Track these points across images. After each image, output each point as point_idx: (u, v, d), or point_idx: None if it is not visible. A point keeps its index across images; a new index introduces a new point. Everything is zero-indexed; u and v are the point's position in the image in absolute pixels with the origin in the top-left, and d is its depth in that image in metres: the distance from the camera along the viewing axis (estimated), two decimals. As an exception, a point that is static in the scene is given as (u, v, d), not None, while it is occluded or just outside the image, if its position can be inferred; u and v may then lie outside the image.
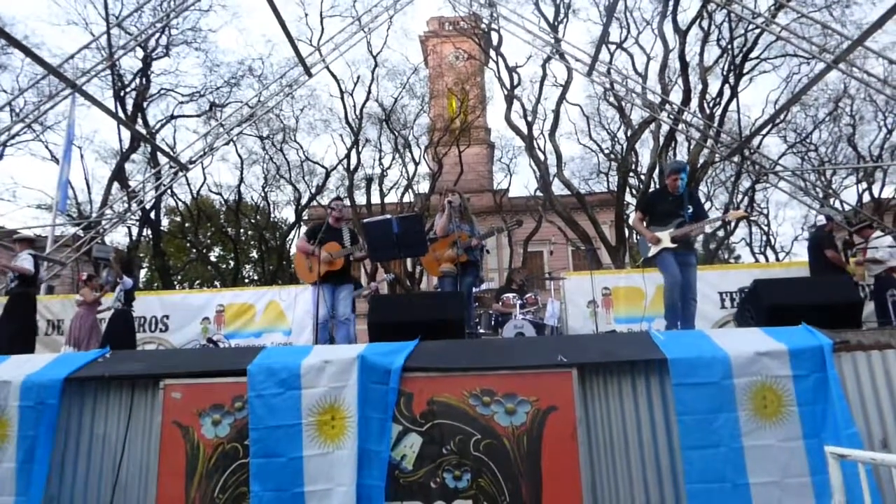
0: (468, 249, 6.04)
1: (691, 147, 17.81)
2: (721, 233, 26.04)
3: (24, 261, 7.10)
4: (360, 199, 23.61)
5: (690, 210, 5.34)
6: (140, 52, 18.77)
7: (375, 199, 23.80)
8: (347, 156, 23.22)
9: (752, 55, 18.22)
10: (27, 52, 9.49)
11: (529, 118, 20.31)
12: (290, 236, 26.93)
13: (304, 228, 27.34)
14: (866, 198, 22.41)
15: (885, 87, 9.36)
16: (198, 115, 21.72)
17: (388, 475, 3.47)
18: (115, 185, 18.87)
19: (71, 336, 7.70)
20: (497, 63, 20.61)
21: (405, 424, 3.58)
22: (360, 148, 23.17)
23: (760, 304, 4.38)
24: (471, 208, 6.67)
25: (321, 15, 19.91)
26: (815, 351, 3.46)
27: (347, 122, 22.41)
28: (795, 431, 3.37)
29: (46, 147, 19.62)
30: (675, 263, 5.25)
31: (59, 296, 10.28)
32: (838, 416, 3.25)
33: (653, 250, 5.39)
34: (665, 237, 5.31)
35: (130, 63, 19.32)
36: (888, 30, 7.95)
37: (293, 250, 27.87)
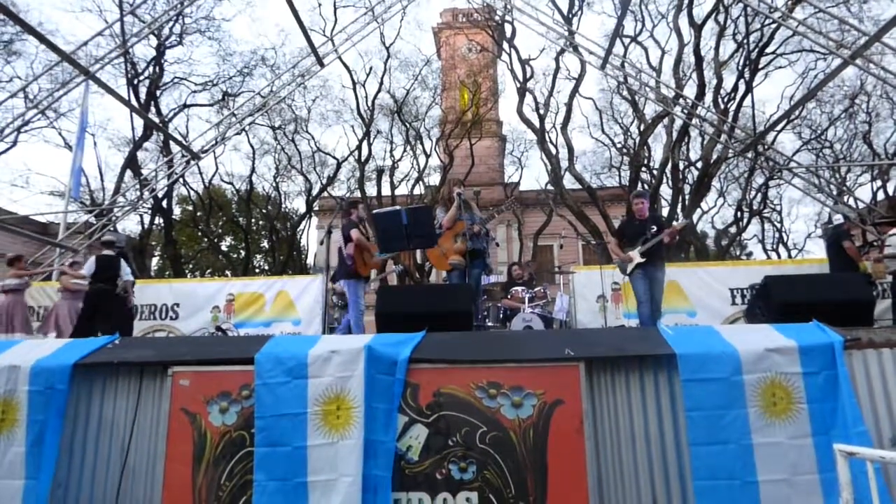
0: (472, 237, 6.05)
1: (705, 142, 17.64)
2: (733, 229, 25.86)
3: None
4: (371, 190, 23.63)
5: (655, 229, 6.19)
6: (153, 41, 18.81)
7: (386, 190, 23.80)
8: (359, 147, 23.22)
9: (768, 50, 17.94)
10: (41, 38, 9.54)
11: (541, 111, 20.17)
12: (301, 226, 27.04)
13: (314, 220, 27.47)
14: (881, 196, 22.12)
15: (902, 83, 9.20)
16: (210, 105, 21.78)
17: (394, 466, 3.48)
18: (128, 172, 18.96)
19: (49, 324, 7.66)
20: (510, 55, 20.44)
21: (411, 415, 3.58)
22: (371, 139, 23.16)
23: (771, 301, 4.34)
24: (475, 199, 6.71)
25: (335, 5, 19.83)
26: (826, 348, 3.43)
27: (359, 114, 22.39)
28: (805, 429, 3.35)
29: (60, 134, 19.71)
30: (645, 282, 6.17)
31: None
32: (848, 414, 3.22)
33: (629, 268, 6.26)
34: (635, 254, 6.20)
35: (144, 51, 19.41)
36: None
37: (304, 241, 28.01)
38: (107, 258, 7.61)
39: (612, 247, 6.68)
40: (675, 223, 6.03)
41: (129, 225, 23.73)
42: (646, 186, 21.34)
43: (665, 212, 19.09)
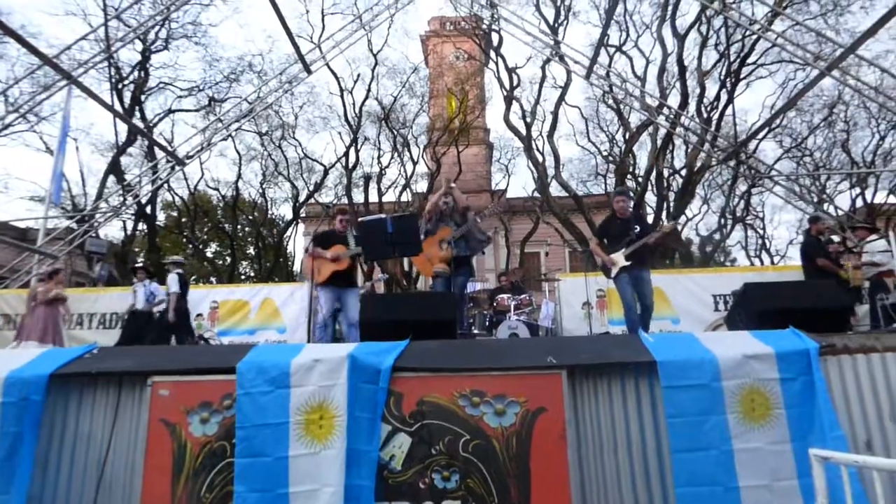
0: (457, 241, 6.08)
1: (688, 150, 17.86)
2: (717, 236, 26.14)
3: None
4: (358, 197, 23.60)
5: (638, 229, 5.97)
6: (139, 45, 18.68)
7: (373, 197, 23.79)
8: (346, 154, 23.21)
9: (749, 60, 18.28)
10: (22, 42, 9.41)
11: (528, 119, 20.34)
12: (288, 233, 26.92)
13: (301, 226, 27.38)
14: (859, 203, 22.54)
15: (877, 94, 9.40)
16: (196, 110, 21.64)
17: (377, 475, 3.45)
18: (111, 178, 18.76)
19: (25, 334, 7.43)
20: (497, 64, 20.66)
21: (394, 424, 3.56)
22: (358, 146, 23.16)
23: (750, 308, 4.39)
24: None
25: (322, 12, 19.91)
26: (802, 354, 3.47)
27: (347, 120, 22.41)
28: (783, 434, 3.37)
29: (41, 138, 19.38)
30: (630, 285, 5.91)
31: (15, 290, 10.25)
32: (824, 419, 3.26)
33: (613, 271, 6.01)
34: (619, 258, 5.95)
35: (129, 56, 19.22)
36: (880, 38, 7.99)
37: (291, 248, 27.88)
38: (185, 277, 8.23)
39: (593, 246, 6.46)
40: (661, 227, 5.99)
41: (112, 231, 23.54)
42: (631, 194, 21.52)
43: (650, 219, 19.28)
